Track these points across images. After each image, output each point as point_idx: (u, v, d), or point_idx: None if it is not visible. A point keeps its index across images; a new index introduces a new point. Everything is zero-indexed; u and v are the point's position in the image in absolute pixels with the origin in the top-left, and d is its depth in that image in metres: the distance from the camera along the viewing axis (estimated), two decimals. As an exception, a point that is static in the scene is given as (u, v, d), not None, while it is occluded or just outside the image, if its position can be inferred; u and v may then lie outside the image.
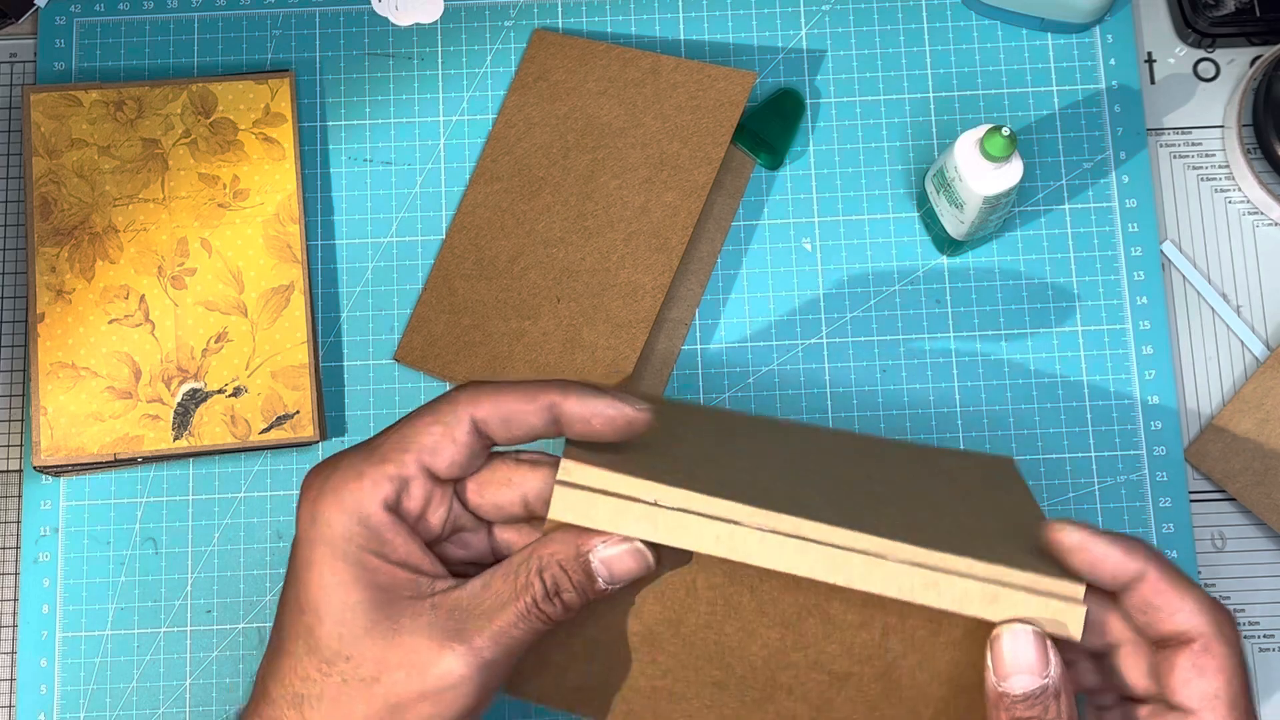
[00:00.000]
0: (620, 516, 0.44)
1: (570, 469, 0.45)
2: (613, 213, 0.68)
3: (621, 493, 0.44)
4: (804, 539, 0.44)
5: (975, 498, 0.54)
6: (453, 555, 0.49)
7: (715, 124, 0.69)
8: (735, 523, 0.44)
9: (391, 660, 0.44)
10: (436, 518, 0.47)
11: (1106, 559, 0.45)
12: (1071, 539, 0.46)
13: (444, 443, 0.46)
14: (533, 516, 0.49)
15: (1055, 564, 0.46)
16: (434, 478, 0.47)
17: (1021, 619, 0.44)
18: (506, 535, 0.50)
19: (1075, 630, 0.44)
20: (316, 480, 0.46)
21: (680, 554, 0.46)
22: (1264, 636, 0.66)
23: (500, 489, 0.48)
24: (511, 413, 0.46)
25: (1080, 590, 0.44)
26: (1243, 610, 0.66)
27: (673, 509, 0.44)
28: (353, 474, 0.45)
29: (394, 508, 0.46)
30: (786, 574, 0.44)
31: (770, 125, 0.70)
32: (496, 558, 0.49)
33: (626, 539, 0.45)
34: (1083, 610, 0.44)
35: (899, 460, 0.57)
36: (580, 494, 0.44)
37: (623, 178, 0.69)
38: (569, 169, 0.70)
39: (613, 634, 0.47)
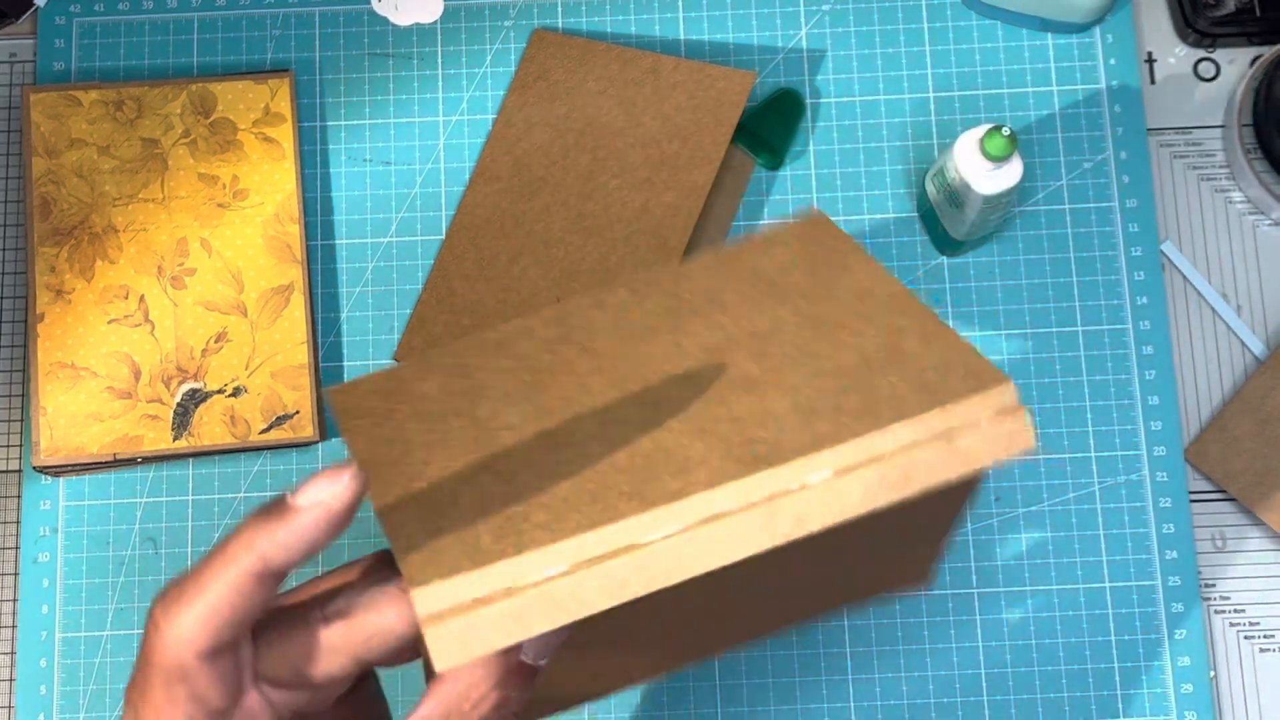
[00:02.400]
0: (512, 623, 0.36)
1: (423, 597, 0.36)
2: (612, 213, 0.68)
3: (495, 590, 0.36)
4: (710, 520, 0.36)
5: (822, 307, 0.44)
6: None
7: (715, 124, 0.69)
8: (636, 546, 0.36)
9: None
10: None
11: None
12: None
13: (234, 598, 0.37)
14: (391, 653, 0.39)
15: (957, 351, 0.39)
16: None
17: None
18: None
19: (1029, 440, 0.39)
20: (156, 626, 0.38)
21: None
22: (1264, 636, 0.66)
23: (319, 661, 0.39)
24: (229, 620, 0.37)
25: (1012, 389, 0.38)
26: (1243, 610, 0.66)
27: (562, 574, 0.36)
28: (155, 608, 0.38)
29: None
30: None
31: (770, 125, 0.70)
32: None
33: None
34: (1026, 415, 0.38)
35: (720, 295, 0.46)
36: (454, 625, 0.36)
37: (622, 177, 0.69)
38: (569, 169, 0.69)
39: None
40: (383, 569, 0.40)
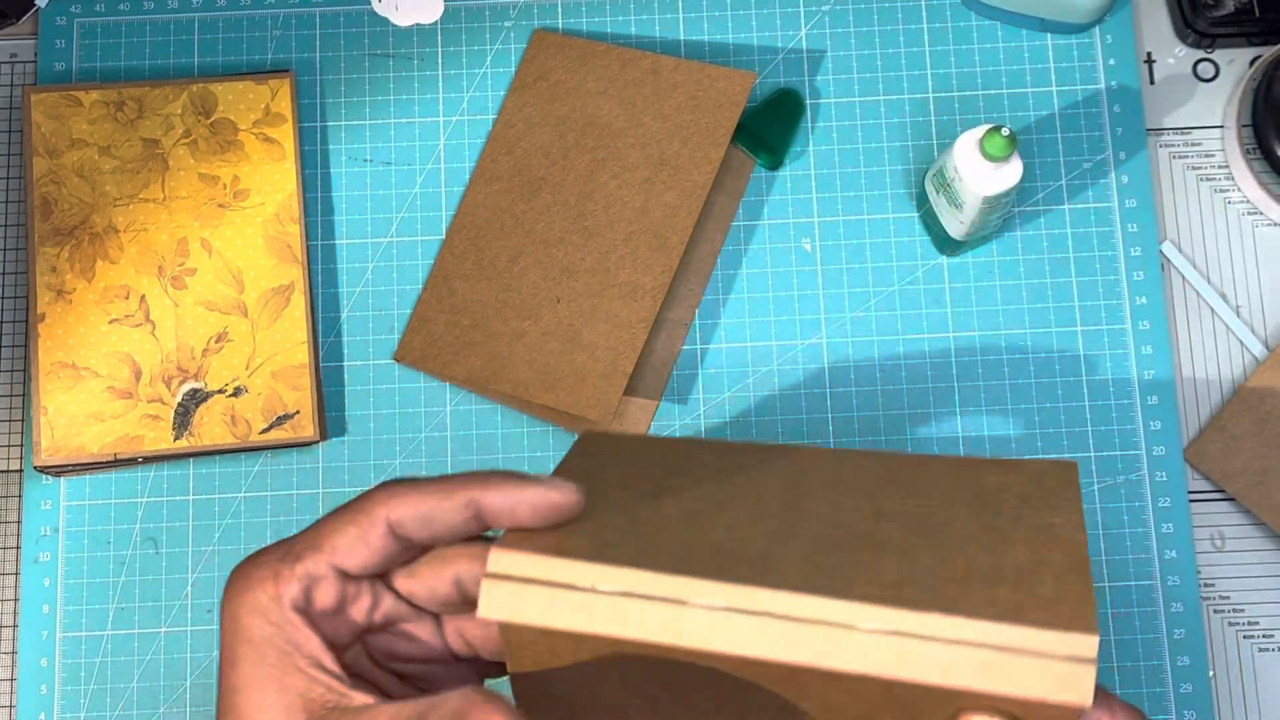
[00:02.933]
0: (553, 609, 0.39)
1: (499, 559, 0.40)
2: (613, 213, 0.68)
3: (556, 580, 0.39)
4: (754, 613, 0.37)
5: (1005, 523, 0.45)
6: (398, 650, 0.46)
7: (715, 124, 0.69)
8: (681, 603, 0.38)
9: None
10: (358, 613, 0.45)
11: None
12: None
13: (357, 545, 0.44)
14: (469, 600, 0.46)
15: (1076, 597, 0.39)
16: (348, 575, 0.45)
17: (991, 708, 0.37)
18: (456, 624, 0.47)
19: (1085, 696, 0.35)
20: (237, 580, 0.45)
21: (611, 644, 0.40)
22: (1264, 636, 0.66)
23: (430, 573, 0.45)
24: (429, 512, 0.44)
25: (1093, 644, 0.36)
26: (1242, 610, 0.67)
27: (613, 594, 0.38)
28: (268, 573, 0.44)
29: (304, 608, 0.44)
30: (739, 656, 0.38)
31: (770, 125, 0.70)
32: (449, 650, 0.47)
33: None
34: (1093, 672, 0.36)
35: (929, 483, 0.48)
36: (508, 588, 0.40)
37: (622, 178, 0.69)
38: (569, 169, 0.70)
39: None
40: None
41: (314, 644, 0.44)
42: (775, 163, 0.70)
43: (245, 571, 0.44)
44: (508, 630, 0.41)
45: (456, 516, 0.44)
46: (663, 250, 0.67)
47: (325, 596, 0.44)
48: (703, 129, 0.69)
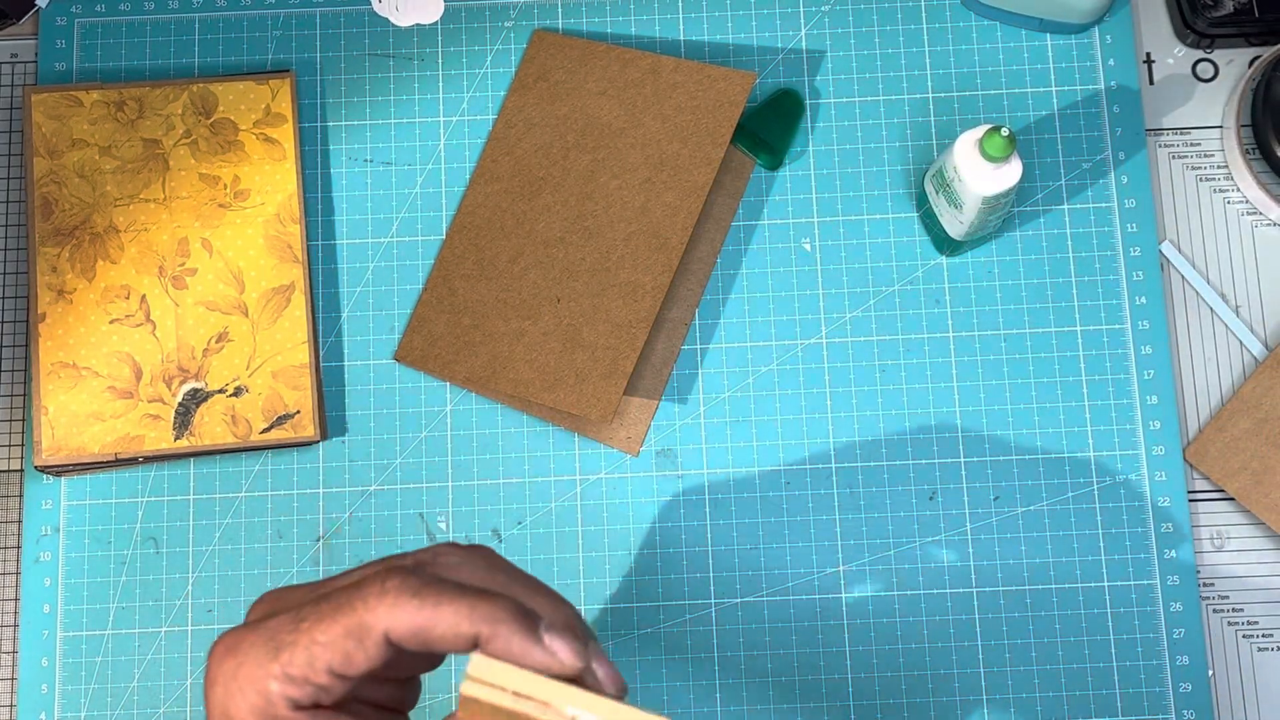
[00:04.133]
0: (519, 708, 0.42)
1: (480, 666, 0.42)
2: (613, 213, 0.69)
3: (531, 695, 0.42)
4: None
5: None
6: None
7: (715, 124, 0.69)
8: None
9: None
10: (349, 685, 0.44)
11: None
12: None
13: (355, 657, 0.42)
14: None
15: None
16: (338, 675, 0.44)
17: None
18: None
19: None
20: (223, 670, 0.43)
21: None
22: (1263, 636, 0.66)
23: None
24: (428, 636, 0.42)
25: None
26: (1241, 610, 0.67)
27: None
28: (260, 672, 0.42)
29: (308, 706, 0.43)
30: None
31: (770, 125, 0.70)
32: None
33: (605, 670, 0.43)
34: None
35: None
36: (486, 690, 0.42)
37: (622, 178, 0.69)
38: (569, 169, 0.70)
39: None
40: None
41: None
42: (775, 163, 0.70)
43: (232, 663, 0.43)
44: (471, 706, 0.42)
45: (456, 645, 0.42)
46: (663, 250, 0.67)
47: (329, 694, 0.43)
48: (703, 129, 0.69)
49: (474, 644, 0.42)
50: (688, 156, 0.68)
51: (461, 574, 0.44)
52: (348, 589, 0.43)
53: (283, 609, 0.44)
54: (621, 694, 0.43)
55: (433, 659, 0.46)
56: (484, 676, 0.42)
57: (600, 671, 0.43)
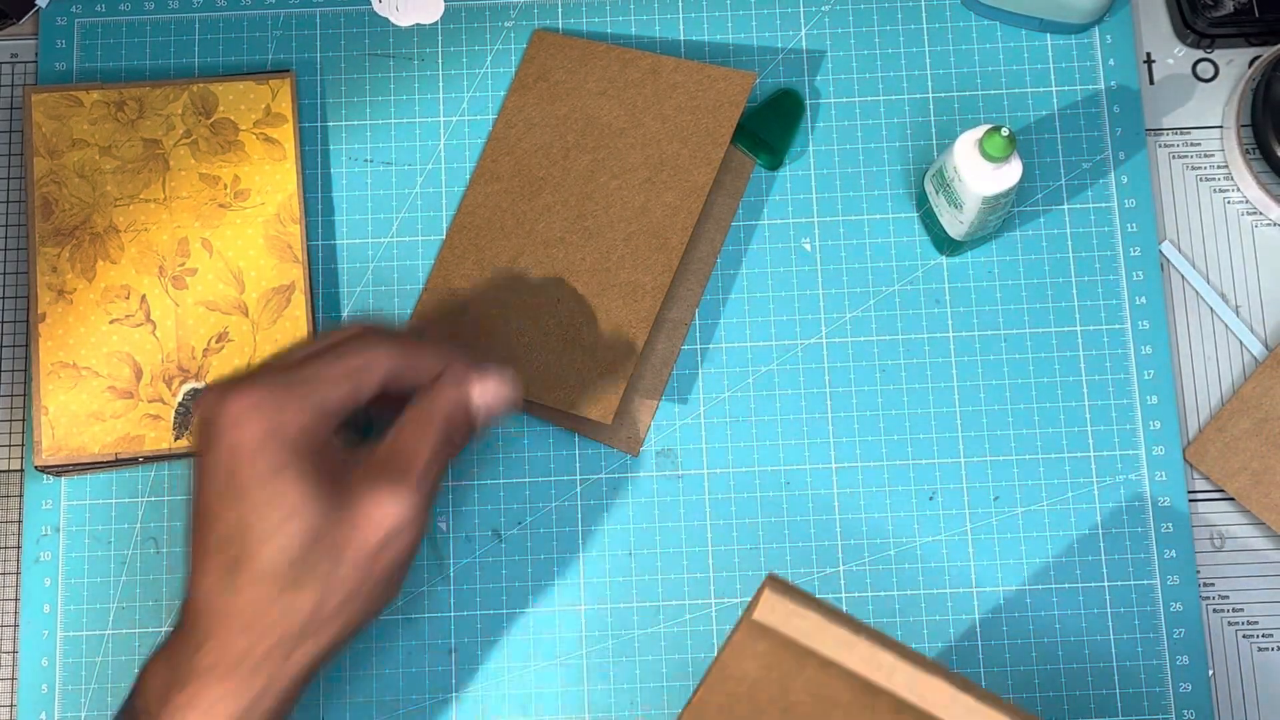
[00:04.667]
0: (822, 633, 0.50)
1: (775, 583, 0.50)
2: (613, 213, 0.69)
3: (825, 615, 0.50)
4: (985, 704, 0.49)
5: None
6: None
7: (715, 124, 0.69)
8: (925, 671, 0.49)
9: (352, 522, 0.53)
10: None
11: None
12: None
13: (350, 400, 0.55)
14: None
15: None
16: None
17: None
18: None
19: None
20: (240, 412, 0.53)
21: (861, 683, 0.50)
22: (1263, 636, 0.66)
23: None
24: (407, 377, 0.57)
25: None
26: (1242, 610, 0.67)
27: (872, 643, 0.50)
28: (287, 413, 0.53)
29: (318, 431, 0.54)
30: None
31: (770, 125, 0.70)
32: None
33: (495, 374, 0.58)
34: None
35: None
36: (785, 605, 0.50)
37: (623, 178, 0.69)
38: (569, 169, 0.70)
39: None
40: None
41: (332, 446, 0.55)
42: (775, 163, 0.70)
43: (251, 413, 0.53)
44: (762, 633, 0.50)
45: (421, 379, 0.57)
46: (663, 250, 0.67)
47: (329, 424, 0.55)
48: (703, 129, 0.69)
49: (436, 375, 0.57)
50: (688, 156, 0.69)
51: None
52: (335, 347, 0.56)
53: (259, 374, 0.55)
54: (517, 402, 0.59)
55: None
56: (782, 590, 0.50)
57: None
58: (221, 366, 0.68)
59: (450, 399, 0.57)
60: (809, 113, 0.72)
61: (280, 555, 0.52)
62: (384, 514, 0.54)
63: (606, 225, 0.68)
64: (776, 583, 0.51)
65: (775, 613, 0.51)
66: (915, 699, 0.50)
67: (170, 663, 0.54)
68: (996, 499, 0.67)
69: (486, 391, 0.58)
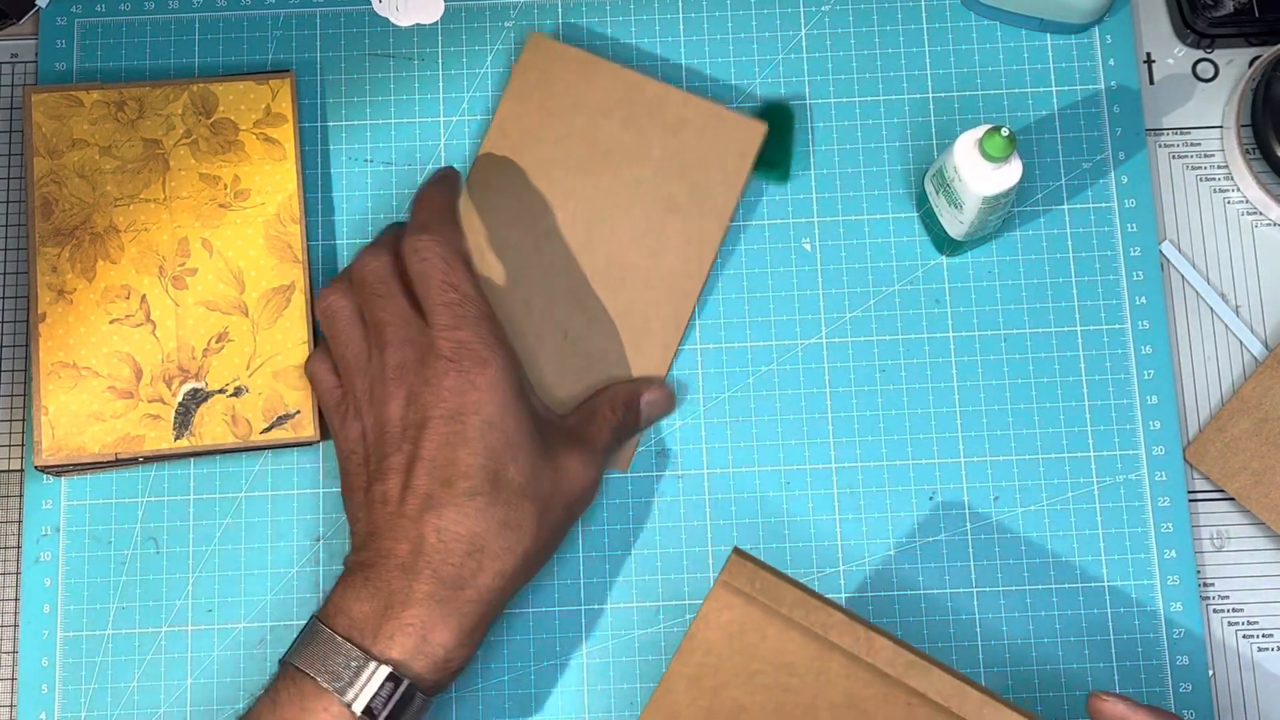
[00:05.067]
0: (780, 592, 0.57)
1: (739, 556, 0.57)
2: (622, 250, 0.68)
3: (784, 578, 0.57)
4: (937, 666, 0.55)
5: None
6: None
7: (726, 175, 0.68)
8: (879, 633, 0.56)
9: (558, 472, 0.61)
10: None
11: None
12: (1114, 710, 0.56)
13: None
14: None
15: None
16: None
17: None
18: None
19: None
20: (495, 358, 0.60)
21: (819, 642, 0.56)
22: (1263, 636, 0.66)
23: None
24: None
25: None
26: (1242, 610, 0.67)
27: (824, 604, 0.57)
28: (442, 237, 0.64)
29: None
30: (914, 688, 0.55)
31: (770, 145, 0.69)
32: None
33: (664, 387, 0.67)
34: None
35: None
36: (752, 565, 0.57)
37: (632, 213, 0.68)
38: (572, 193, 0.69)
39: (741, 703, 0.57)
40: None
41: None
42: (783, 176, 0.70)
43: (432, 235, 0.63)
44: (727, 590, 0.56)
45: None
46: (673, 300, 0.67)
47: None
48: (714, 178, 0.68)
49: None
50: (698, 204, 0.68)
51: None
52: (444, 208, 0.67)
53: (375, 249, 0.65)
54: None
55: None
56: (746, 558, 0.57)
57: None
58: (221, 366, 0.68)
59: (631, 393, 0.66)
60: (809, 112, 0.72)
61: (514, 479, 0.59)
62: (581, 473, 0.62)
63: (617, 263, 0.68)
64: (742, 554, 0.57)
65: (739, 577, 0.56)
66: (865, 655, 0.55)
67: (376, 589, 0.58)
68: (996, 499, 0.67)
69: (655, 395, 0.66)
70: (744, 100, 0.72)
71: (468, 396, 0.59)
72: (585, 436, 0.64)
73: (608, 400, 0.65)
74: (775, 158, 0.70)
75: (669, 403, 0.67)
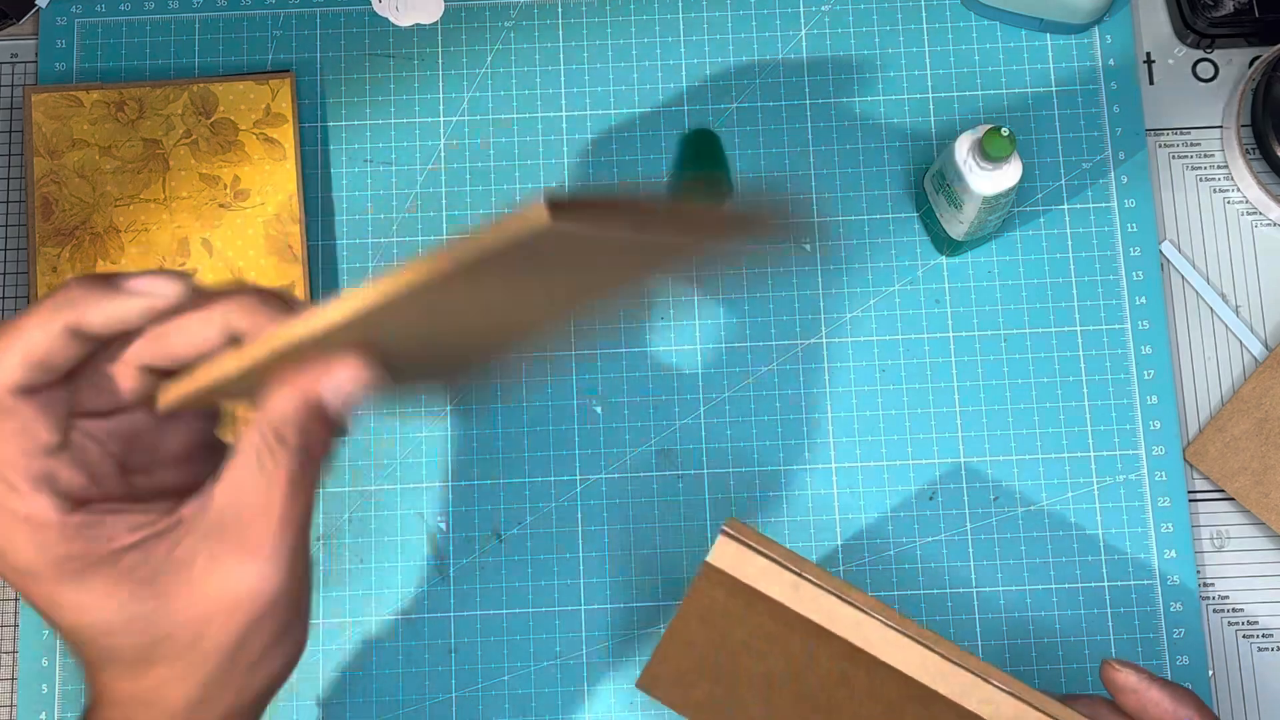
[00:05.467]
0: (769, 576, 0.53)
1: (733, 527, 0.54)
2: None
3: (774, 558, 0.54)
4: (924, 646, 0.53)
5: None
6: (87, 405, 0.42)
7: None
8: (867, 613, 0.53)
9: (190, 611, 0.40)
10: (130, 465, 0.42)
11: (1158, 705, 0.53)
12: (1127, 680, 0.53)
13: (56, 351, 0.40)
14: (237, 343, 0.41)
15: None
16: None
17: None
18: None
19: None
20: None
21: (807, 624, 0.54)
22: (1263, 636, 0.66)
23: (195, 328, 0.41)
24: (108, 322, 0.40)
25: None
26: (1241, 610, 0.67)
27: (816, 586, 0.53)
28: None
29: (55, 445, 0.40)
30: (900, 670, 0.53)
31: (702, 168, 0.69)
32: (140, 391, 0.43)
33: (346, 366, 0.41)
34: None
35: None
36: (740, 547, 0.54)
37: None
38: None
39: (739, 669, 0.55)
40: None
41: (75, 532, 0.40)
42: (726, 190, 0.70)
43: None
44: (713, 575, 0.54)
45: (69, 351, 0.40)
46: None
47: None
48: None
49: (73, 334, 0.40)
50: None
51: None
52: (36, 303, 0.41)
53: None
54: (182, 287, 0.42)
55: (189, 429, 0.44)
56: (738, 533, 0.54)
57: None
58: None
59: (294, 408, 0.41)
60: (809, 112, 0.72)
61: (113, 651, 0.41)
62: (236, 594, 0.40)
63: None
64: (733, 526, 0.55)
65: (727, 558, 0.55)
66: (860, 642, 0.54)
67: None
68: (996, 499, 0.67)
69: (338, 382, 0.41)
70: (745, 98, 0.72)
71: None
72: (235, 521, 0.41)
73: (256, 438, 0.41)
74: (721, 181, 0.69)
75: (360, 370, 0.41)
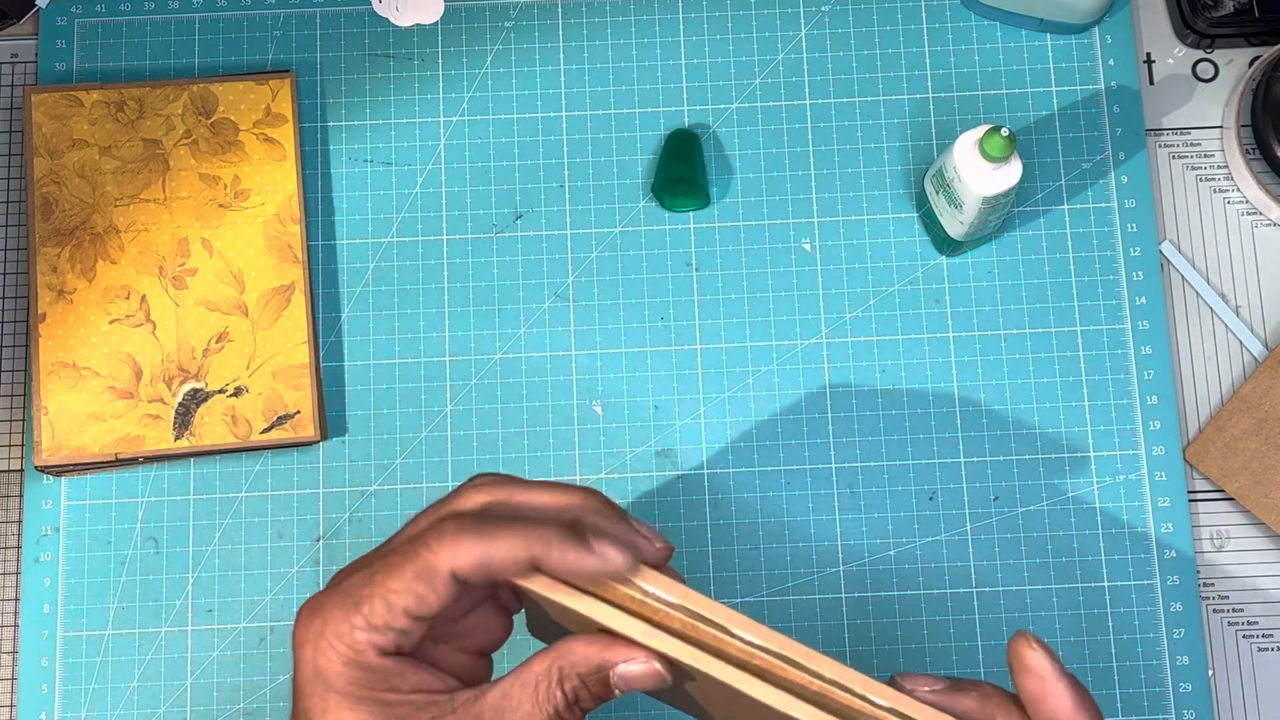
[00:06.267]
0: (653, 636, 0.46)
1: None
2: None
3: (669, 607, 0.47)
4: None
5: None
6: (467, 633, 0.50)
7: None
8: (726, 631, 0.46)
9: None
10: (440, 629, 0.48)
11: (1059, 699, 0.46)
12: (1038, 662, 0.46)
13: (428, 598, 0.45)
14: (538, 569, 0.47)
15: None
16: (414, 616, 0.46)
17: None
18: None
19: None
20: (311, 630, 0.46)
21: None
22: (1263, 636, 0.66)
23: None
24: (489, 565, 0.45)
25: None
26: (1241, 610, 0.67)
27: (676, 607, 0.46)
28: (345, 626, 0.45)
29: (392, 651, 0.46)
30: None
31: (682, 171, 0.69)
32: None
33: (648, 660, 0.45)
34: None
35: None
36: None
37: None
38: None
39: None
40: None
41: (416, 674, 0.46)
42: (703, 202, 0.70)
43: (317, 623, 0.46)
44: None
45: (516, 570, 0.45)
46: None
47: (410, 638, 0.46)
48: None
49: (533, 566, 0.45)
50: None
51: (498, 496, 0.48)
52: (411, 539, 0.46)
53: (354, 572, 0.47)
54: (668, 553, 0.48)
55: (502, 605, 0.51)
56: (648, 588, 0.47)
57: (648, 546, 0.47)
58: (221, 367, 0.68)
59: (588, 667, 0.46)
60: (809, 111, 0.72)
61: None
62: None
63: None
64: None
65: None
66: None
67: None
68: (996, 499, 0.67)
69: (637, 672, 0.46)
70: (745, 98, 0.72)
71: None
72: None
73: (541, 668, 0.47)
74: (692, 181, 0.69)
75: (656, 679, 0.46)
